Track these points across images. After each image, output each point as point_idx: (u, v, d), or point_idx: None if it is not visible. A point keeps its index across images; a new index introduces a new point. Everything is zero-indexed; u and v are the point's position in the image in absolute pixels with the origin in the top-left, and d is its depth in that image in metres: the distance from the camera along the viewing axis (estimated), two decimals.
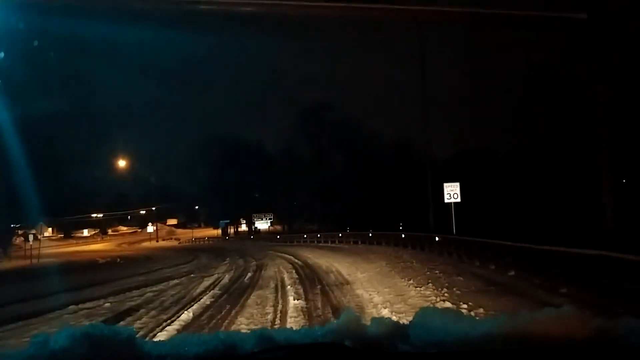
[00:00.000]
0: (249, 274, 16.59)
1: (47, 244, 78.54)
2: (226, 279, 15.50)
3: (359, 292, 11.19)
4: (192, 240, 66.65)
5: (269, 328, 2.76)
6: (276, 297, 11.23)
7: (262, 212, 56.31)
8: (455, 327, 1.66)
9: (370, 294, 10.64)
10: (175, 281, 15.42)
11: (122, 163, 70.46)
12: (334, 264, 18.32)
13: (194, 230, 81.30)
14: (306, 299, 10.55)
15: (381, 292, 10.82)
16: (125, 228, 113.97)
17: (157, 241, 75.97)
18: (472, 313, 8.46)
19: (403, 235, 26.51)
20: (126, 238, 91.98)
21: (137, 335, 1.76)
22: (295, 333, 1.84)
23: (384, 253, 22.94)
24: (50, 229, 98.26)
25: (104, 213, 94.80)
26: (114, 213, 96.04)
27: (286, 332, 1.84)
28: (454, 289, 10.90)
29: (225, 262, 23.31)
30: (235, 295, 11.79)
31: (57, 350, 1.58)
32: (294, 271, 16.63)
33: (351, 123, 49.95)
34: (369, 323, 1.78)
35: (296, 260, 21.28)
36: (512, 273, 13.26)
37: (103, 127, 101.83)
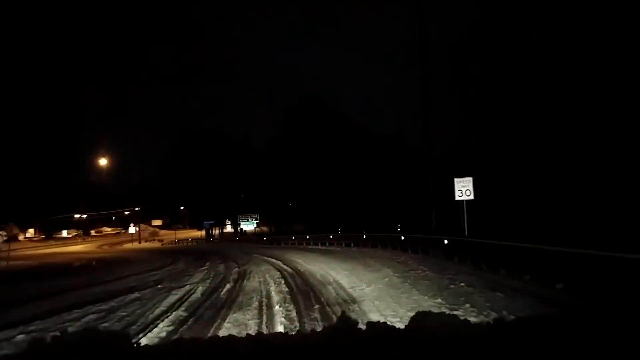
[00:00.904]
0: (228, 286, 13.33)
1: (26, 245, 74.82)
2: (199, 292, 12.25)
3: (374, 316, 8.02)
4: (175, 242, 62.94)
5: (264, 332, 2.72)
6: (260, 323, 8.03)
7: (248, 213, 52.84)
8: (450, 330, 1.82)
9: (391, 322, 7.46)
10: (136, 295, 12.13)
11: (107, 163, 66.79)
12: (330, 272, 15.14)
13: (177, 231, 77.43)
14: (302, 329, 7.36)
15: (405, 318, 7.65)
16: (109, 229, 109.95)
17: (140, 242, 72.13)
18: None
19: (402, 238, 23.45)
20: (109, 239, 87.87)
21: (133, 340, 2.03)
22: (291, 337, 2.08)
23: (383, 258, 19.84)
24: (32, 230, 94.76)
25: (87, 214, 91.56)
26: (96, 213, 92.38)
27: (282, 337, 2.08)
28: (503, 311, 7.81)
29: (203, 267, 20.03)
30: (204, 320, 8.56)
31: (53, 353, 1.69)
32: (282, 282, 13.42)
33: (340, 118, 46.65)
34: (364, 328, 2.06)
35: (285, 267, 18.07)
36: (559, 286, 10.24)
37: (87, 126, 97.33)
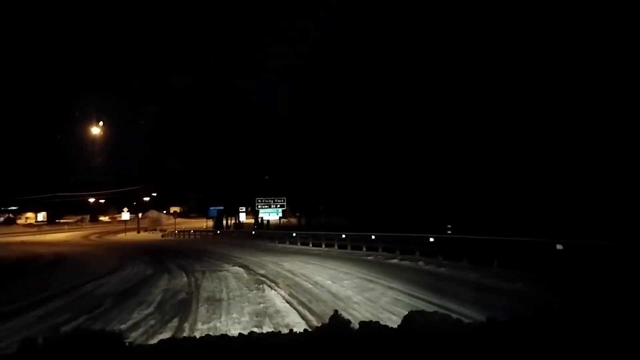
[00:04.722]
0: None
1: (15, 230, 59.62)
2: None
3: None
4: (176, 234, 44.89)
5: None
6: None
7: (270, 197, 34.70)
8: (442, 329, 1.63)
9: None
10: None
11: (100, 132, 50.46)
12: None
13: (177, 219, 59.57)
14: None
15: None
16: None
17: (138, 232, 54.67)
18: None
19: None
20: (110, 226, 71.04)
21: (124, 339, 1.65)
22: (283, 337, 1.75)
23: None
24: (44, 213, 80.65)
25: (99, 197, 78.31)
26: (103, 192, 77.63)
27: (275, 336, 1.76)
28: None
29: None
30: None
31: (44, 353, 1.51)
32: None
33: (414, 46, 26.52)
34: (357, 327, 1.70)
35: None
36: None
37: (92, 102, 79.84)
